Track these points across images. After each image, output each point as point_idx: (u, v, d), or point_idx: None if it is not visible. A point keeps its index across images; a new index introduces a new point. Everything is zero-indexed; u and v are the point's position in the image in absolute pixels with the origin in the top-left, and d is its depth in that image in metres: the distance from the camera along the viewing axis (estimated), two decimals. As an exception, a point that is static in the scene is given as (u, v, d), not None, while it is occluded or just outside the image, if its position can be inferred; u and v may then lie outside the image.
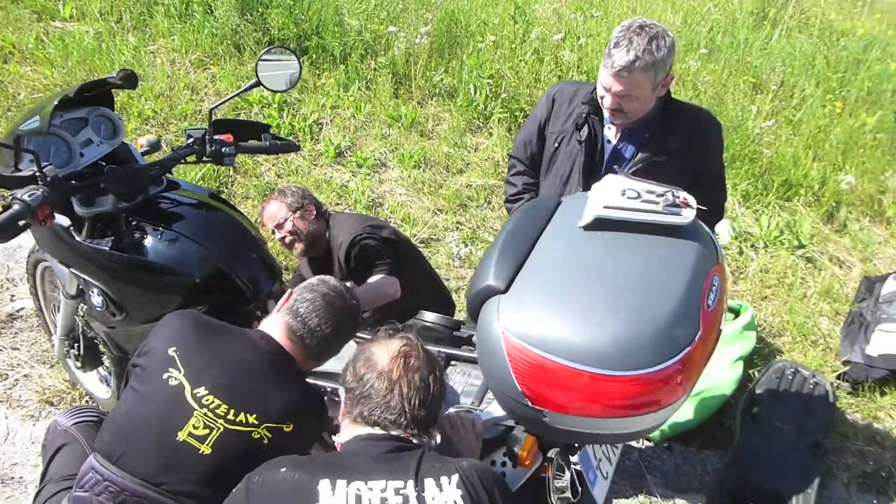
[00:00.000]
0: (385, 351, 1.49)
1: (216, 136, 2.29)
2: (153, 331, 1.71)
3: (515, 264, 1.52)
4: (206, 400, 1.57)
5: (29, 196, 1.86)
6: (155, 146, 2.45)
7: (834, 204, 4.37)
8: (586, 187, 2.32)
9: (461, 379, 2.07)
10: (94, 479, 1.57)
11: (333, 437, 1.56)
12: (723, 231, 4.11)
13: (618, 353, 1.35)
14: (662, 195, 1.56)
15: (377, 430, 1.43)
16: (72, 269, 2.22)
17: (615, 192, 1.58)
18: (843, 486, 3.01)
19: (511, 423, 1.76)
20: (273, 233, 2.86)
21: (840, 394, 3.33)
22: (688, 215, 1.54)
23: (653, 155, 2.25)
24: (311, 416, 1.71)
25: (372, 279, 2.66)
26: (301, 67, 2.27)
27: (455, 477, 1.34)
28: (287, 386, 1.68)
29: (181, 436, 1.54)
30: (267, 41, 5.21)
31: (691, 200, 1.57)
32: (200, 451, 1.54)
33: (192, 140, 2.27)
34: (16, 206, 1.85)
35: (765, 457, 2.88)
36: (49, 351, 3.21)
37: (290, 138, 4.55)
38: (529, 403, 1.42)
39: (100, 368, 2.90)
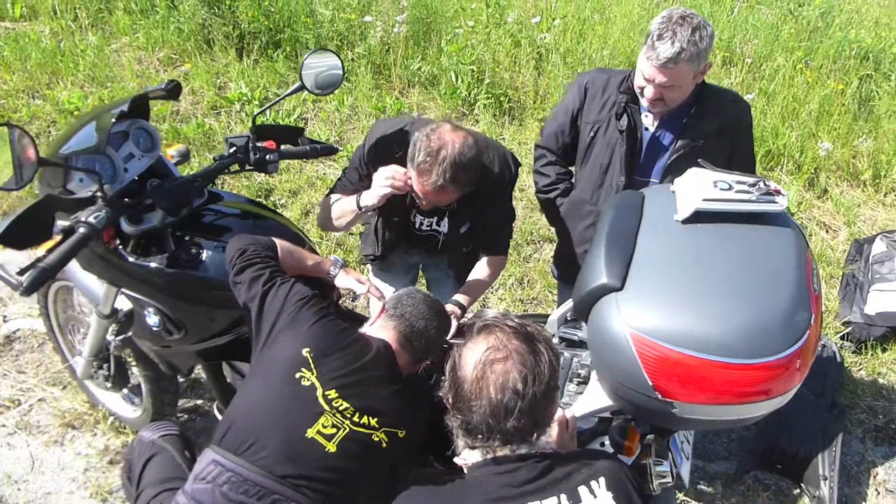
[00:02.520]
0: (472, 356, 1.37)
1: (258, 144, 2.23)
2: (282, 325, 1.72)
3: (625, 261, 1.55)
4: (336, 402, 1.63)
5: (94, 218, 1.78)
6: (185, 156, 2.37)
7: (813, 171, 4.57)
8: (629, 176, 2.36)
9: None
10: (217, 471, 1.60)
11: (457, 459, 1.53)
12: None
13: (747, 342, 1.40)
14: (755, 184, 1.60)
15: (500, 452, 1.37)
16: (123, 290, 2.13)
17: (708, 185, 1.62)
18: (859, 441, 3.19)
19: (606, 413, 1.79)
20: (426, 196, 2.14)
21: (845, 354, 3.51)
22: (782, 203, 1.59)
23: (692, 141, 2.30)
24: (421, 424, 1.76)
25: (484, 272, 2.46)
26: (343, 69, 2.22)
27: (602, 479, 1.35)
28: (401, 393, 1.73)
29: (310, 433, 1.60)
30: (237, 35, 5.05)
31: (781, 188, 1.62)
32: (326, 449, 1.60)
33: (234, 149, 2.20)
34: (82, 230, 1.76)
35: (788, 421, 3.01)
36: (60, 372, 3.07)
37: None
38: (659, 396, 1.45)
39: (125, 389, 2.81)
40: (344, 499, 1.63)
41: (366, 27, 5.02)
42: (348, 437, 1.62)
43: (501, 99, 4.84)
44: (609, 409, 1.76)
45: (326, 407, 1.63)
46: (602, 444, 1.79)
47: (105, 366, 2.66)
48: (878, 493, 3.01)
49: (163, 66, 4.93)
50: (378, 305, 2.05)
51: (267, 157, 2.23)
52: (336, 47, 5.05)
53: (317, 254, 2.17)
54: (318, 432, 1.60)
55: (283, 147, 2.29)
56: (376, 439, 1.66)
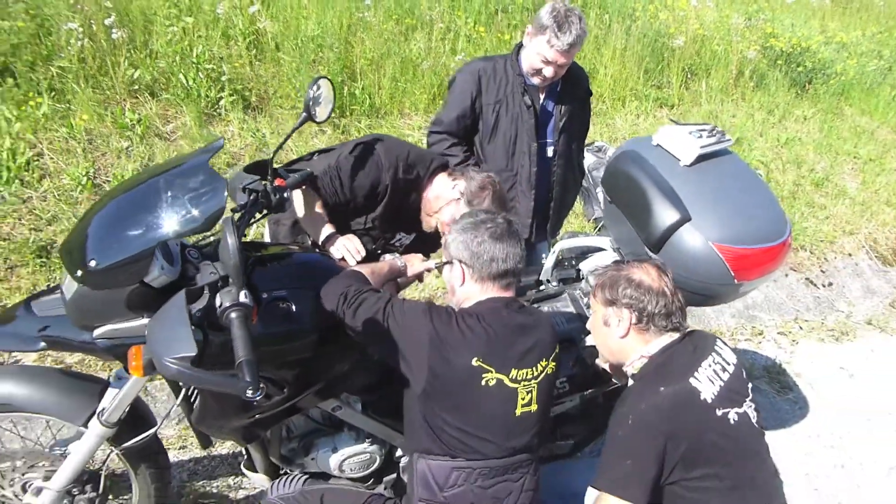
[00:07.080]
0: (647, 274, 1.89)
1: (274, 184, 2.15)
2: (435, 344, 1.79)
3: (679, 200, 2.15)
4: (520, 375, 1.84)
5: (245, 296, 1.63)
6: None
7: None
8: (537, 141, 2.93)
9: (558, 314, 2.58)
10: (465, 474, 1.82)
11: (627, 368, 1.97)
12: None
13: (776, 227, 2.16)
14: (713, 129, 2.34)
15: (675, 335, 1.87)
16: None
17: (686, 135, 2.30)
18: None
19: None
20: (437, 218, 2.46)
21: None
22: (731, 138, 2.37)
23: (570, 106, 2.97)
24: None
25: None
26: (334, 91, 2.23)
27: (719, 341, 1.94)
28: (537, 322, 1.94)
29: (517, 412, 1.84)
30: None
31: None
32: (532, 412, 1.86)
33: (254, 196, 2.08)
34: (236, 315, 1.58)
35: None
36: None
37: (17, 181, 3.77)
38: (736, 281, 2.13)
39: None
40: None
41: (68, 34, 4.31)
42: (539, 389, 1.87)
43: (246, 94, 4.74)
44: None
45: (515, 385, 1.83)
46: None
47: (88, 487, 2.26)
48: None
49: None
50: None
51: (285, 195, 2.17)
52: (27, 63, 4.25)
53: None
54: (521, 406, 1.84)
55: (288, 181, 2.24)
56: (551, 371, 1.92)
